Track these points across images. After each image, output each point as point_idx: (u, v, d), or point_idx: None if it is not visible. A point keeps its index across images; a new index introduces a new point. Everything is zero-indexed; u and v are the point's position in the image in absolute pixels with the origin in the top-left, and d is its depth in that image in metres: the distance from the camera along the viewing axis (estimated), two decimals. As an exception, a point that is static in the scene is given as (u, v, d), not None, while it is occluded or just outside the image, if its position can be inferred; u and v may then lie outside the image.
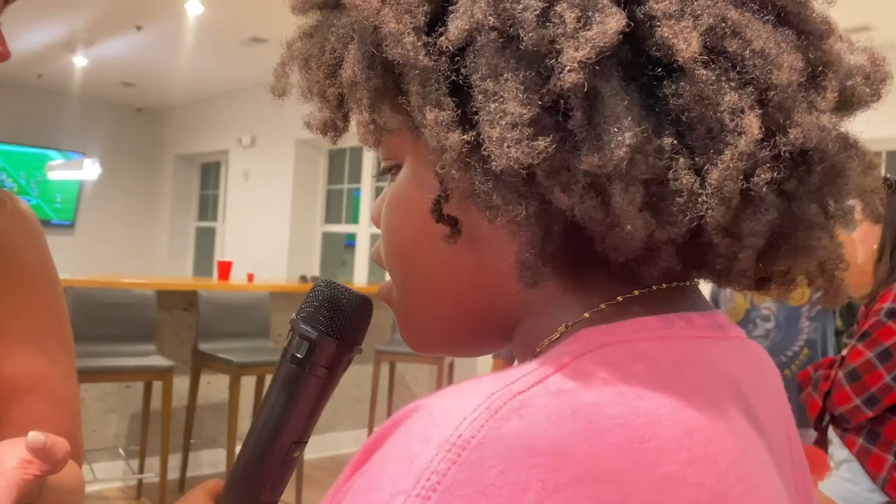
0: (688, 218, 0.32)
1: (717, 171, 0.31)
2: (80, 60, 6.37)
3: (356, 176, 6.65)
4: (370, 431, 4.26)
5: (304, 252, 6.90)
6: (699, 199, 0.31)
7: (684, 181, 0.31)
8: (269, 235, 6.96)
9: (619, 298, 0.37)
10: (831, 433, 2.12)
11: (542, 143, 0.31)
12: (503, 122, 0.31)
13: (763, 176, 0.32)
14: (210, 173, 8.59)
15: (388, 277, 0.47)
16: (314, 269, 6.69)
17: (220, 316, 3.89)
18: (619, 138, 0.31)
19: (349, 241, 6.81)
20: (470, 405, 0.29)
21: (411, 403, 0.31)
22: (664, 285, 0.38)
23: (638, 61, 0.32)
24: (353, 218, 6.69)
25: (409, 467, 0.28)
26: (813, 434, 2.18)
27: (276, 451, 0.50)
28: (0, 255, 0.78)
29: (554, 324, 0.38)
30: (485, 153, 0.32)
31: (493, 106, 0.32)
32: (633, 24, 0.32)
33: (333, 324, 0.49)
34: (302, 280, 4.90)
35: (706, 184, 0.31)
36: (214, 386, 4.10)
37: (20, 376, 0.76)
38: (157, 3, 5.14)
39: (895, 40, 4.85)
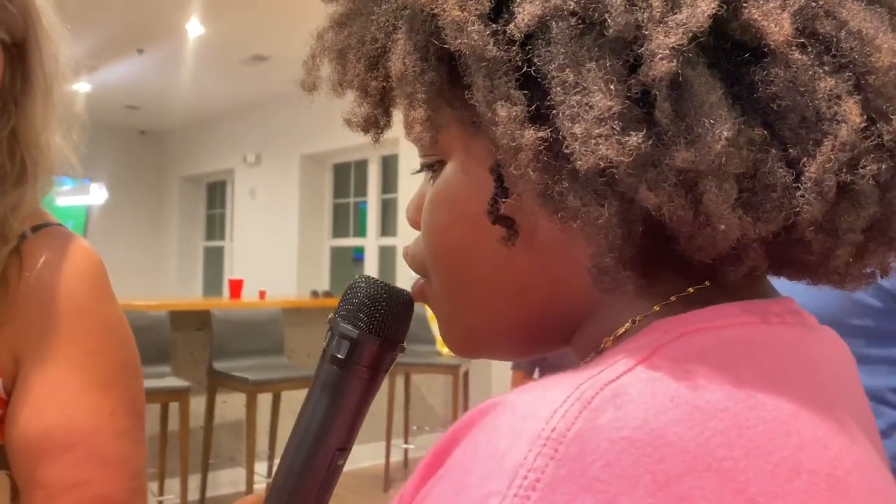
0: (783, 214, 0.30)
1: (815, 163, 0.29)
2: (83, 86, 6.40)
3: (362, 189, 6.64)
4: (388, 444, 4.23)
5: (314, 267, 6.89)
6: (795, 194, 0.30)
7: (778, 175, 0.29)
8: (277, 252, 6.95)
9: (691, 290, 0.35)
10: None
11: (634, 138, 0.29)
12: (589, 117, 0.29)
13: (869, 167, 0.30)
14: (216, 193, 8.60)
15: (412, 276, 0.45)
16: (324, 284, 6.69)
17: (234, 334, 3.88)
18: (716, 131, 0.28)
19: (357, 255, 6.80)
20: (559, 397, 0.27)
21: (486, 402, 0.29)
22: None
23: (723, 46, 0.30)
24: (361, 231, 6.68)
25: (499, 466, 0.26)
26: None
27: (321, 460, 0.48)
28: (36, 297, 0.72)
29: (620, 321, 0.36)
30: (567, 150, 0.30)
31: (575, 99, 0.29)
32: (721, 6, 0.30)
33: (375, 321, 0.47)
34: (313, 295, 4.89)
35: (803, 177, 0.29)
36: (231, 405, 4.08)
37: (56, 433, 0.69)
38: (157, 25, 5.17)
39: None
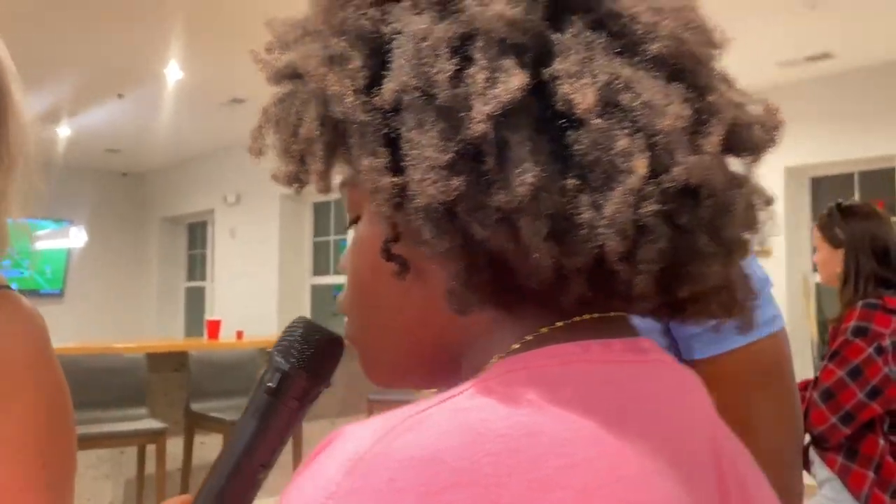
0: (589, 247, 0.36)
1: (610, 205, 0.35)
2: (63, 130, 6.46)
3: (342, 226, 6.70)
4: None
5: (295, 305, 6.92)
6: (598, 231, 0.36)
7: (585, 216, 0.36)
8: (258, 291, 6.98)
9: (544, 330, 0.41)
10: (812, 453, 2.14)
11: (455, 182, 0.36)
12: (423, 166, 0.37)
13: (649, 208, 0.36)
14: (197, 233, 8.63)
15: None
16: (305, 322, 6.69)
17: (211, 375, 3.91)
18: (522, 178, 0.35)
19: (338, 292, 6.83)
20: (374, 426, 0.34)
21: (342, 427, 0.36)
22: (588, 316, 0.42)
23: (547, 115, 0.37)
24: (342, 268, 6.72)
25: (320, 478, 0.33)
26: None
27: (246, 472, 0.54)
28: None
29: (490, 356, 0.41)
30: (410, 193, 0.37)
31: (416, 153, 0.37)
32: (542, 82, 0.37)
33: (305, 358, 0.53)
34: (292, 334, 4.91)
35: (602, 217, 0.36)
36: (208, 446, 4.08)
37: None
38: (137, 70, 5.25)
39: (854, 67, 5.01)
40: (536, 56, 0.38)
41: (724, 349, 0.93)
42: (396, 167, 0.38)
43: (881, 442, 2.03)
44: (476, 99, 0.36)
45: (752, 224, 0.44)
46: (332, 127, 0.42)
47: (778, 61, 4.86)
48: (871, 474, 2.01)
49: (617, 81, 0.37)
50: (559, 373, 0.38)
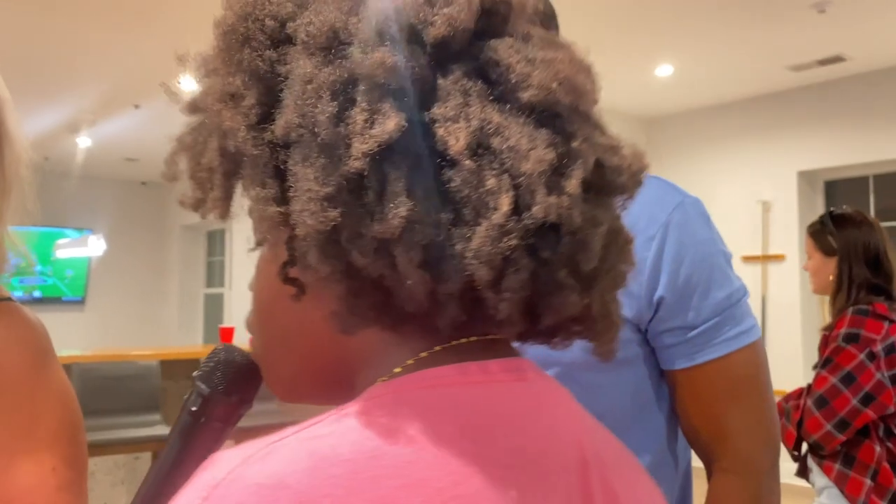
0: (459, 275, 0.39)
1: (476, 238, 0.38)
2: (83, 141, 6.58)
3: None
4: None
5: (310, 312, 6.97)
6: (467, 261, 0.39)
7: (457, 247, 0.39)
8: (274, 298, 7.04)
9: (424, 354, 0.43)
10: (810, 462, 2.15)
11: (332, 213, 0.39)
12: (304, 198, 0.39)
13: (510, 242, 0.39)
14: (216, 240, 8.74)
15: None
16: (321, 329, 6.75)
17: (224, 381, 3.96)
18: (396, 211, 0.38)
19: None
20: (235, 454, 0.37)
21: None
22: (468, 339, 0.44)
23: (427, 153, 0.40)
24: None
25: (181, 501, 0.36)
26: None
27: (168, 494, 0.57)
28: None
29: (379, 377, 0.44)
30: (293, 223, 0.40)
31: (299, 185, 0.40)
32: (424, 124, 0.40)
33: (225, 382, 0.57)
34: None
35: (470, 249, 0.39)
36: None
37: (2, 489, 0.77)
38: (153, 82, 5.34)
39: (867, 70, 4.97)
40: (419, 99, 0.40)
41: (699, 361, 0.95)
42: (283, 198, 0.41)
43: (877, 448, 2.03)
44: (355, 138, 0.39)
45: (625, 258, 0.47)
46: (230, 158, 0.44)
47: (790, 65, 4.84)
48: (867, 481, 2.01)
49: (488, 126, 0.40)
50: (420, 397, 0.41)
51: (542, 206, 0.39)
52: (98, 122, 6.15)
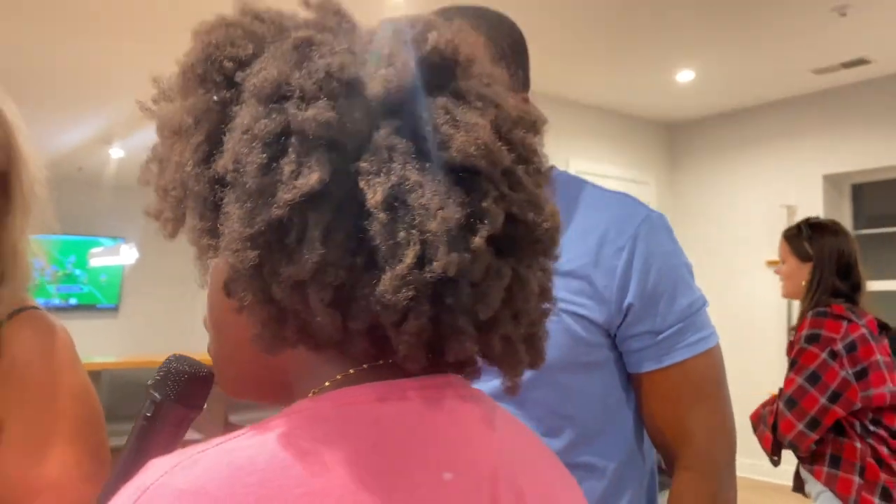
0: (365, 315, 0.43)
1: (382, 284, 0.42)
2: (116, 152, 6.75)
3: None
4: None
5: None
6: (372, 304, 0.42)
7: (366, 290, 0.43)
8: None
9: (339, 376, 0.47)
10: (803, 472, 2.21)
11: (251, 254, 0.43)
12: (229, 238, 0.43)
13: (408, 292, 0.42)
14: (245, 248, 8.85)
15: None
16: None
17: (249, 387, 4.04)
18: (308, 256, 0.42)
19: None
20: (165, 461, 0.40)
21: None
22: (387, 361, 0.47)
23: (349, 203, 0.43)
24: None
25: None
26: None
27: None
28: (11, 371, 0.87)
29: (309, 390, 0.48)
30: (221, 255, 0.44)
31: (227, 224, 0.44)
32: (350, 175, 0.43)
33: (175, 390, 0.62)
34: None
35: (375, 294, 0.42)
36: (248, 456, 4.20)
37: (31, 481, 0.84)
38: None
39: (891, 71, 4.90)
40: (350, 152, 0.44)
41: (664, 364, 1.00)
42: (216, 231, 0.45)
43: (859, 445, 2.09)
44: (280, 187, 0.42)
45: (546, 297, 0.51)
46: (181, 185, 0.48)
47: (814, 68, 4.80)
48: (856, 478, 2.06)
49: (406, 183, 0.43)
50: (334, 415, 0.44)
51: (441, 263, 0.42)
52: (130, 133, 6.30)
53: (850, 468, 2.06)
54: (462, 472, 0.46)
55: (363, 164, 0.43)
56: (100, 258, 8.06)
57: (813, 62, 4.70)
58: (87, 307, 8.10)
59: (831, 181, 5.31)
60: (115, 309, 8.28)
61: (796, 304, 5.29)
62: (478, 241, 0.43)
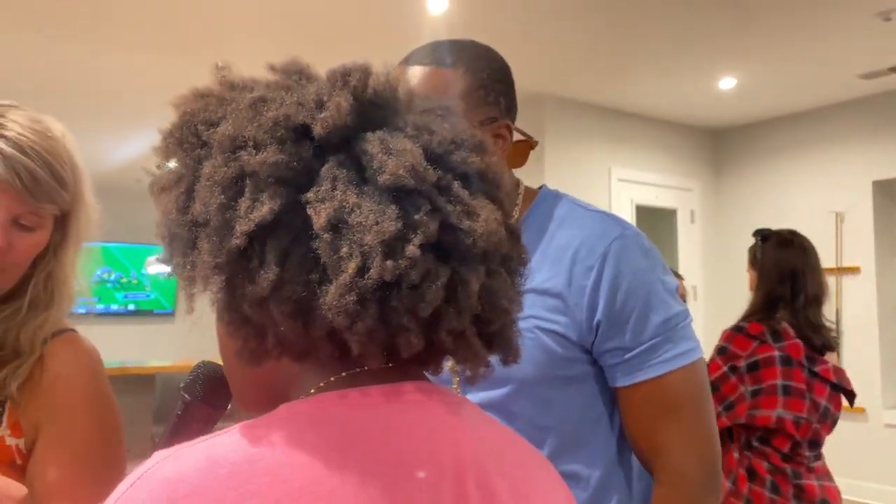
0: (322, 323, 0.49)
1: (329, 294, 0.48)
2: (172, 164, 7.00)
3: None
4: None
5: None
6: (326, 312, 0.48)
7: (320, 301, 0.48)
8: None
9: (322, 384, 0.54)
10: None
11: (218, 279, 0.50)
12: (200, 267, 0.51)
13: (351, 297, 0.48)
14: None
15: None
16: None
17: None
18: (266, 276, 0.49)
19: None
20: (160, 454, 0.47)
21: None
22: (363, 369, 0.54)
23: (301, 228, 0.50)
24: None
25: (117, 489, 0.47)
26: None
27: None
28: (55, 384, 0.99)
29: (300, 397, 0.53)
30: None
31: (199, 257, 0.51)
32: (300, 205, 0.49)
33: (202, 391, 0.72)
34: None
35: (326, 302, 0.48)
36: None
37: (62, 483, 0.96)
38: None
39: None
40: (298, 185, 0.50)
41: (636, 380, 1.02)
42: (195, 264, 0.52)
43: (737, 455, 2.23)
44: (237, 221, 0.50)
45: (502, 296, 0.55)
46: (167, 230, 0.54)
47: (860, 73, 4.72)
48: (728, 484, 2.21)
49: (345, 206, 0.49)
50: (306, 416, 0.50)
51: (377, 269, 0.48)
52: (185, 146, 6.54)
53: (726, 473, 2.18)
54: (423, 468, 0.51)
55: (310, 194, 0.50)
56: (157, 266, 8.36)
57: (859, 67, 4.63)
58: (144, 312, 8.41)
59: (881, 187, 5.20)
60: (171, 314, 8.58)
61: (845, 313, 5.21)
62: (411, 248, 0.49)
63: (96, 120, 5.51)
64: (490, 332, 0.55)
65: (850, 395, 2.31)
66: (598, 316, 1.02)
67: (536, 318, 1.03)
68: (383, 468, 0.49)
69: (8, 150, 0.93)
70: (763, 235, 2.48)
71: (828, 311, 5.48)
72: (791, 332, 2.25)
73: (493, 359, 0.58)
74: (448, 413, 0.56)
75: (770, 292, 2.31)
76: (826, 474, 2.25)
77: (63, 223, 1.04)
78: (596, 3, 3.71)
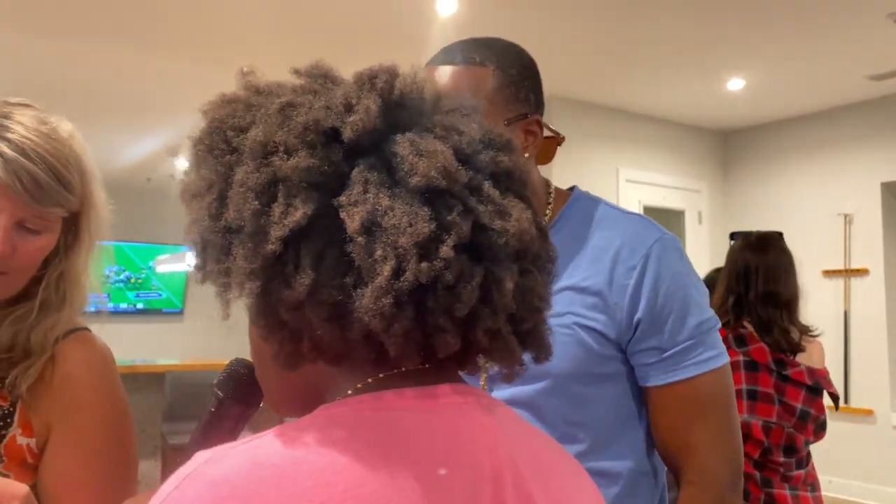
0: (358, 325, 0.49)
1: (366, 296, 0.48)
2: (182, 163, 7.03)
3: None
4: None
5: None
6: (362, 314, 0.48)
7: (356, 304, 0.48)
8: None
9: (359, 385, 0.53)
10: None
11: (253, 285, 0.50)
12: (236, 273, 0.51)
13: (387, 300, 0.48)
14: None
15: None
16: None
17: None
18: (301, 280, 0.49)
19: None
20: (204, 455, 0.47)
21: None
22: (400, 370, 0.53)
23: (335, 232, 0.50)
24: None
25: (161, 489, 0.47)
26: None
27: None
28: (66, 382, 1.00)
29: (336, 399, 0.53)
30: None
31: (234, 263, 0.51)
32: (333, 209, 0.49)
33: (235, 389, 0.73)
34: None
35: (363, 305, 0.48)
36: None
37: (70, 481, 0.98)
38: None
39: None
40: (330, 189, 0.50)
41: (670, 380, 1.05)
42: (229, 271, 0.52)
43: None
44: (272, 227, 0.50)
45: (536, 296, 0.55)
46: (200, 237, 0.55)
47: (870, 75, 4.70)
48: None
49: (378, 209, 0.49)
50: (345, 419, 0.50)
51: (412, 271, 0.48)
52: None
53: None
54: (462, 471, 0.50)
55: (342, 198, 0.50)
56: (166, 265, 8.40)
57: (868, 69, 4.61)
58: (153, 311, 8.45)
59: (890, 189, 5.18)
60: (180, 313, 8.62)
61: (854, 315, 5.19)
62: (445, 249, 0.49)
63: (107, 119, 5.54)
64: (524, 331, 0.56)
65: (834, 397, 2.26)
66: (639, 314, 1.04)
67: (575, 314, 1.05)
68: (423, 471, 0.49)
69: (10, 153, 0.91)
70: (732, 236, 2.49)
71: (835, 313, 5.43)
72: (756, 336, 2.23)
73: (525, 356, 0.59)
74: (483, 415, 0.56)
75: (725, 291, 2.31)
76: (807, 484, 2.18)
77: (74, 223, 1.05)
78: (604, 4, 3.71)
